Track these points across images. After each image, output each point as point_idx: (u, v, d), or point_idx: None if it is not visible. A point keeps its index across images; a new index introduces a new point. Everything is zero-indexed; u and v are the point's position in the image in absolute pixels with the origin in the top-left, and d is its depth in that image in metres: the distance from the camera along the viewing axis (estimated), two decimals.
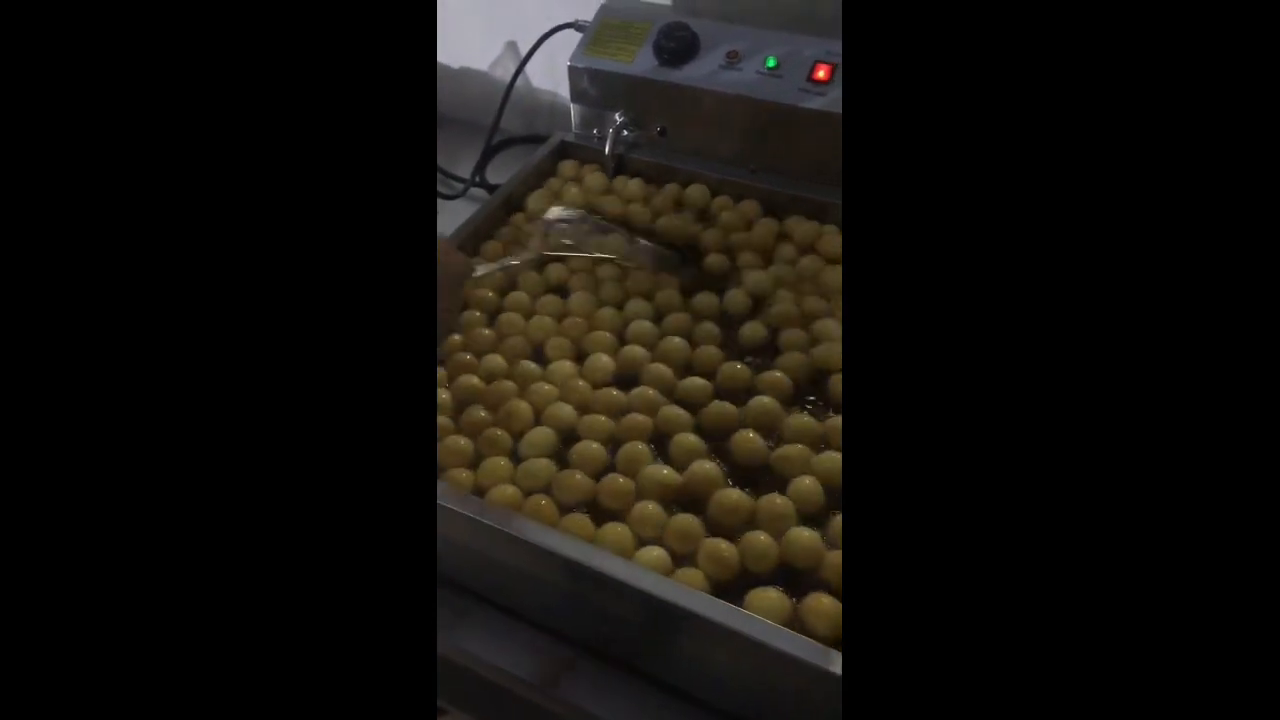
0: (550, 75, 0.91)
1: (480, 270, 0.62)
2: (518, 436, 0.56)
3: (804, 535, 0.50)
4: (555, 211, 0.71)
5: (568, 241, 0.69)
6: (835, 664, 0.41)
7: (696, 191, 0.75)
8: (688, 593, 0.45)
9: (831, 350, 0.60)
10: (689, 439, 0.55)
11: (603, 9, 0.79)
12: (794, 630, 0.43)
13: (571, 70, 0.78)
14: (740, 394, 0.58)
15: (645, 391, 0.58)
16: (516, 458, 0.55)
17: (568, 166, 0.80)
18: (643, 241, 0.70)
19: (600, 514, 0.52)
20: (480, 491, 0.53)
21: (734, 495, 0.52)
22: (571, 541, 0.48)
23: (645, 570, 0.46)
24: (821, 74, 0.70)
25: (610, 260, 0.68)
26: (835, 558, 0.49)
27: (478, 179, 0.88)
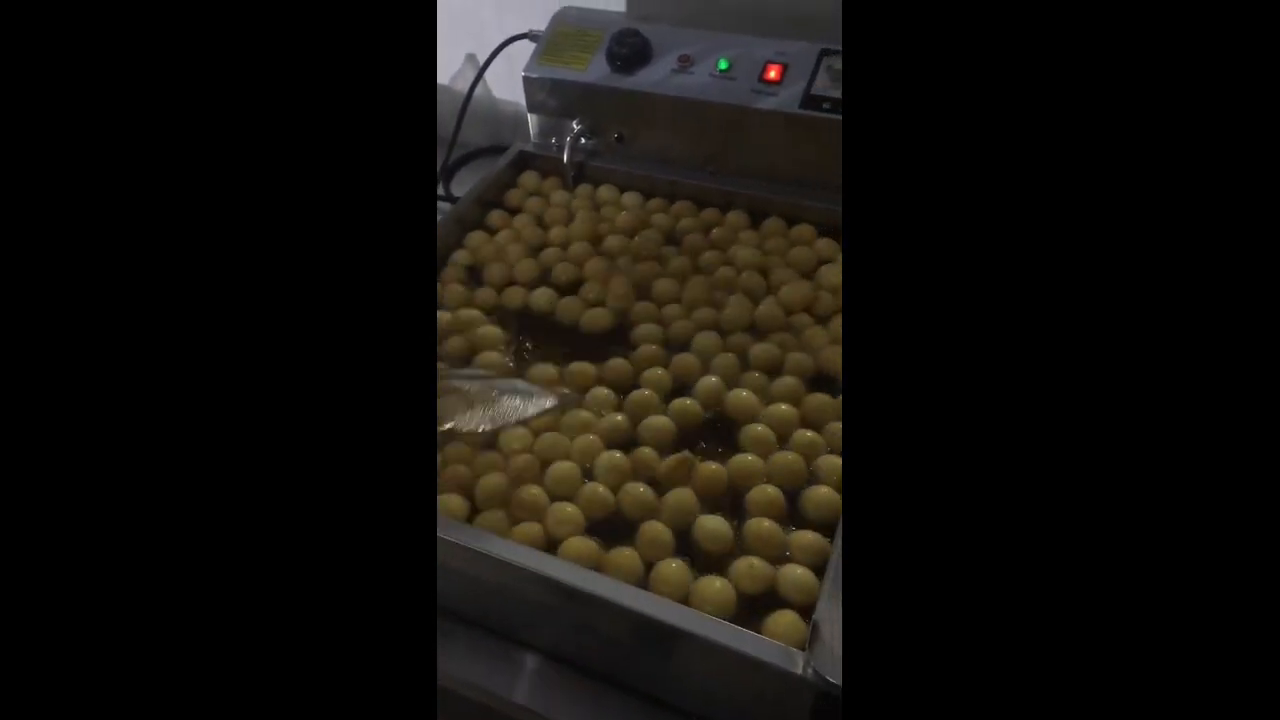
0: (511, 86, 0.91)
1: None
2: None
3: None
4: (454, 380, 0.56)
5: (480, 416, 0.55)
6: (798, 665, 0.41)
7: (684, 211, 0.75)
8: (667, 606, 0.45)
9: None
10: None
11: (555, 18, 0.79)
12: None
13: (526, 80, 0.78)
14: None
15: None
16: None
17: (528, 178, 0.80)
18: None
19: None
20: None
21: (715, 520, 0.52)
22: (547, 558, 0.47)
23: (627, 586, 0.46)
24: (773, 74, 0.70)
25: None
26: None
27: (441, 191, 0.88)
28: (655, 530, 0.51)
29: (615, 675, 0.49)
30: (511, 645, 0.51)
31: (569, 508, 0.52)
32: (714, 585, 0.48)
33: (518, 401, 0.55)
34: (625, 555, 0.50)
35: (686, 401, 0.58)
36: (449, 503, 0.53)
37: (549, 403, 0.56)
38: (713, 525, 0.51)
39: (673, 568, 0.49)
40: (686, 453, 0.55)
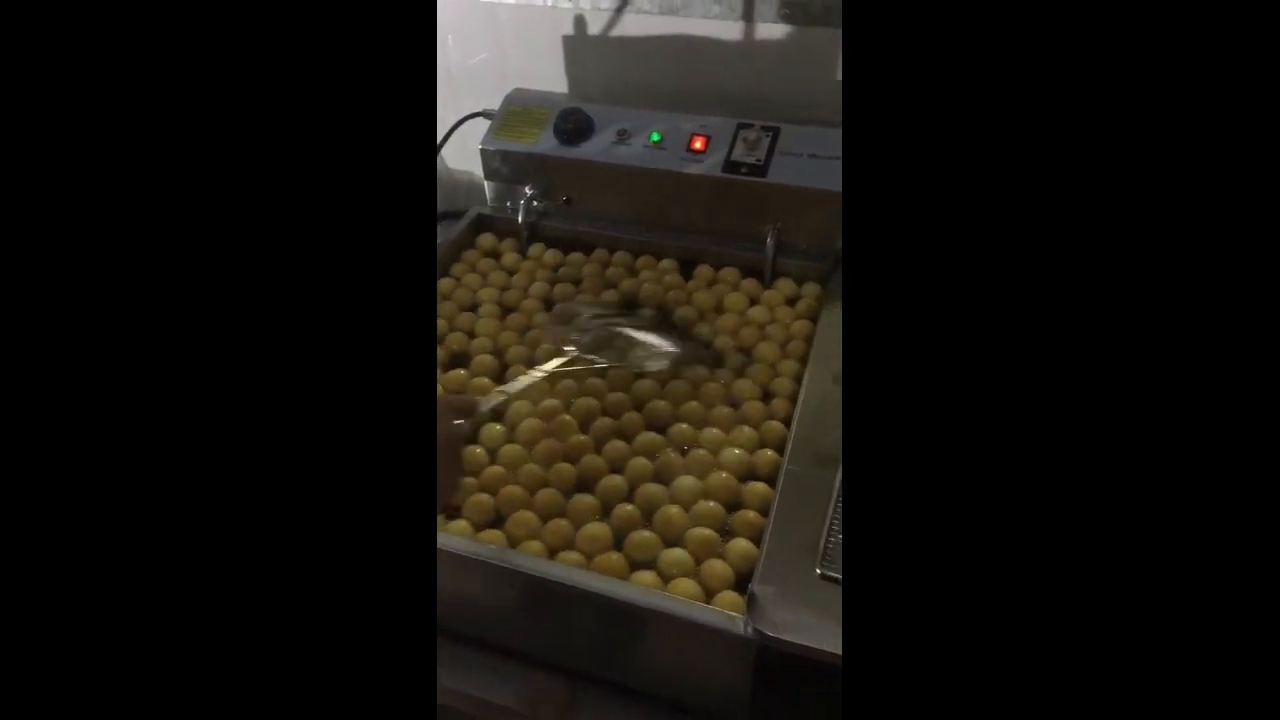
0: (464, 157, 1.01)
1: (487, 403, 0.61)
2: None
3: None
4: (572, 308, 0.72)
5: (587, 342, 0.67)
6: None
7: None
8: (628, 587, 0.52)
9: None
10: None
11: (508, 98, 0.90)
12: None
13: (483, 152, 0.88)
14: None
15: None
16: None
17: (485, 239, 0.90)
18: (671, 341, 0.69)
19: None
20: None
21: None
22: (507, 551, 0.55)
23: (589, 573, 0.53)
24: (698, 144, 0.82)
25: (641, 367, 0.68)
26: None
27: None
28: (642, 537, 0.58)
29: (574, 663, 0.56)
30: (465, 643, 0.57)
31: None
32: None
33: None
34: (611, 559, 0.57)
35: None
36: None
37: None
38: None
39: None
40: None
